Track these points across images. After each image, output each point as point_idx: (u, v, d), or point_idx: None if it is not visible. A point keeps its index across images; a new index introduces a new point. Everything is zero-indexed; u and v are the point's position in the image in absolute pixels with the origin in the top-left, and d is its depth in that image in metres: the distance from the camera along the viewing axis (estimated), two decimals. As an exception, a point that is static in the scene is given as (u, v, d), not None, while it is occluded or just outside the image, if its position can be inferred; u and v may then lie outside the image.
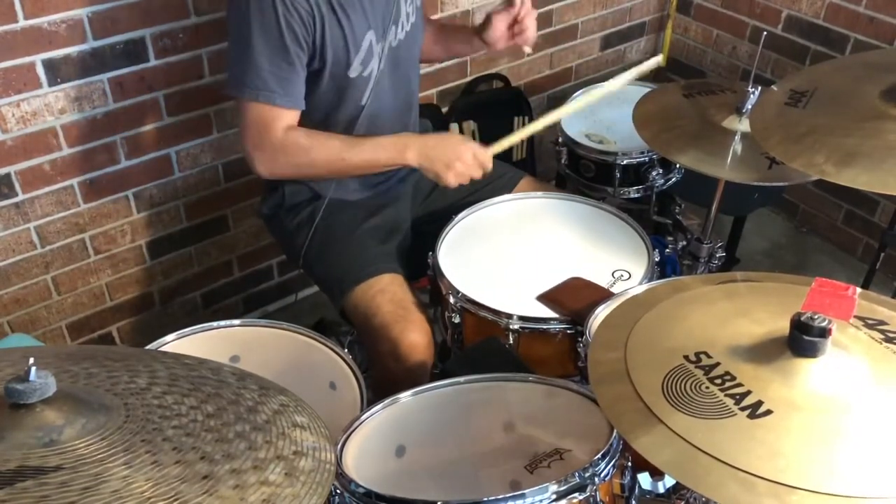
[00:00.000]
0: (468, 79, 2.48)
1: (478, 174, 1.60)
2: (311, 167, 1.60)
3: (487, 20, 1.70)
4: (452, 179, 1.57)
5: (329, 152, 1.57)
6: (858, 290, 0.94)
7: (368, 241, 1.70)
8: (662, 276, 1.65)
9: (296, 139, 1.55)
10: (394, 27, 1.60)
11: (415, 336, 1.54)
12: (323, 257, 1.70)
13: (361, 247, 1.68)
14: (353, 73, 1.57)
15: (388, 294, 1.59)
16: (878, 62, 1.63)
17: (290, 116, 1.54)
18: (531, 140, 2.58)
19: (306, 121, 1.58)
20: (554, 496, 1.02)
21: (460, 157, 1.56)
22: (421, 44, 1.76)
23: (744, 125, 1.64)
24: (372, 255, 1.67)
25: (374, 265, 1.63)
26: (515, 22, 1.68)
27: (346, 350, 1.43)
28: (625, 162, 1.97)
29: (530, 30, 1.69)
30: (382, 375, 1.61)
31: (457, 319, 1.55)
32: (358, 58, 1.55)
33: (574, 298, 1.50)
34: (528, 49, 1.72)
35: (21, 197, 1.85)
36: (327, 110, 1.61)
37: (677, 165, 2.00)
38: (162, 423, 0.82)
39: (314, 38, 1.49)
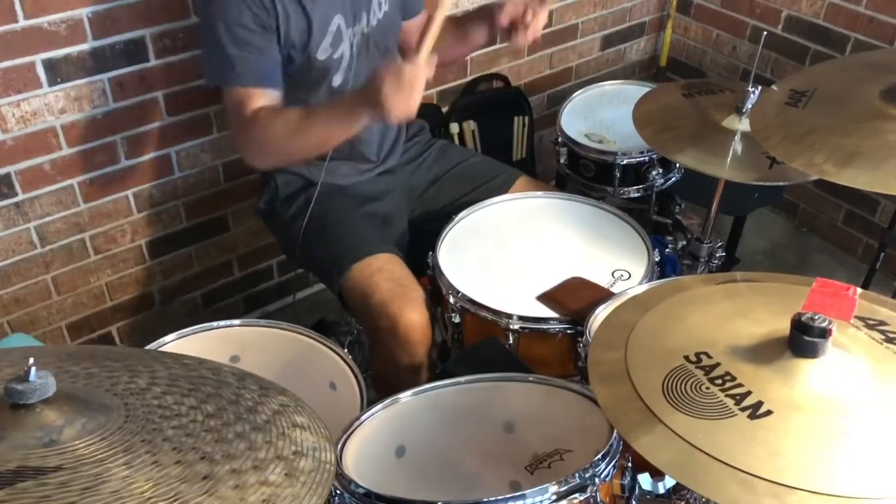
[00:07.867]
0: (468, 78, 2.48)
1: (418, 87, 1.39)
2: (275, 142, 1.53)
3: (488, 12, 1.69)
4: (400, 109, 1.38)
5: (288, 125, 1.50)
6: (859, 290, 0.94)
7: (365, 223, 1.72)
8: (662, 276, 1.65)
9: (260, 116, 1.51)
10: (365, 13, 1.63)
11: (413, 315, 1.53)
12: (320, 241, 1.70)
13: (358, 228, 1.70)
14: (321, 55, 1.58)
15: (385, 272, 1.59)
16: (878, 62, 1.62)
17: (262, 97, 1.52)
18: (531, 140, 2.58)
19: (285, 104, 1.57)
20: (554, 497, 1.02)
21: (385, 88, 1.36)
22: (398, 31, 1.77)
23: (744, 125, 1.64)
24: (369, 236, 1.68)
25: (371, 244, 1.64)
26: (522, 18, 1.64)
27: (346, 350, 1.43)
28: (625, 162, 1.97)
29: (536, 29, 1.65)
30: (381, 356, 1.62)
31: (457, 319, 1.55)
32: (325, 41, 1.57)
33: (574, 298, 1.50)
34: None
35: (21, 197, 1.85)
36: (301, 92, 1.62)
37: (677, 165, 2.00)
38: (162, 424, 0.82)
39: (277, 21, 1.51)
